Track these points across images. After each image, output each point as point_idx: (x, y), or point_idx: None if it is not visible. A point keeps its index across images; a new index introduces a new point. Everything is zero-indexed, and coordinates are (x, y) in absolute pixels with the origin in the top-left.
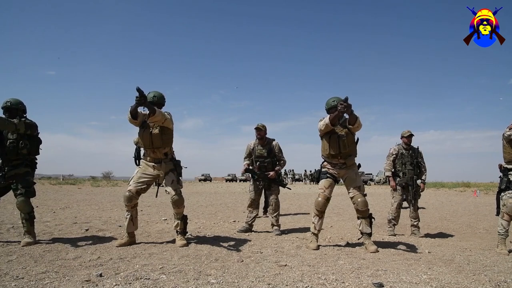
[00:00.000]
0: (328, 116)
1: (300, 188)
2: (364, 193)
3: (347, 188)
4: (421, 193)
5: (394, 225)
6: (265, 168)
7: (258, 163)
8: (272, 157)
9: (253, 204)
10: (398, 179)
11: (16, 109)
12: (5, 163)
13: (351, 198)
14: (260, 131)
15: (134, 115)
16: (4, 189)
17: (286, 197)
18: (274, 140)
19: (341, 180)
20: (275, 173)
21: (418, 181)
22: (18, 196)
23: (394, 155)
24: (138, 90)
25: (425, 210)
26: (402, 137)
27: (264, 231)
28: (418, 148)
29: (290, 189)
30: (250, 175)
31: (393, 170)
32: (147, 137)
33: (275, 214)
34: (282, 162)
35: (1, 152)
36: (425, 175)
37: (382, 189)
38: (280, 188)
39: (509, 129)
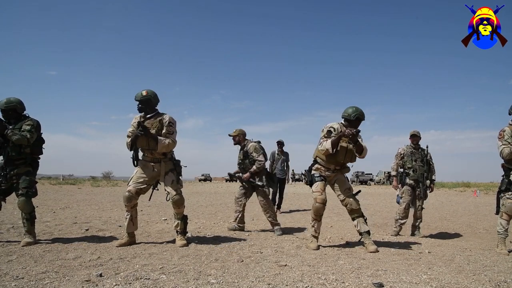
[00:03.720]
0: (330, 141)
1: (300, 188)
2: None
3: (337, 190)
4: (429, 193)
5: (401, 225)
6: (244, 171)
7: (238, 167)
8: (249, 159)
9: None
10: (408, 177)
11: (14, 109)
12: (8, 163)
13: (342, 201)
14: (233, 138)
15: (131, 147)
16: (8, 189)
17: (286, 197)
18: (251, 141)
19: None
20: (248, 174)
21: (427, 182)
22: (19, 196)
23: (402, 155)
24: (140, 124)
25: (425, 210)
26: (410, 137)
27: (264, 231)
28: (427, 147)
29: (268, 189)
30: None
31: (398, 170)
32: (144, 139)
33: (268, 214)
34: (257, 162)
35: (4, 152)
36: (435, 175)
37: (382, 189)
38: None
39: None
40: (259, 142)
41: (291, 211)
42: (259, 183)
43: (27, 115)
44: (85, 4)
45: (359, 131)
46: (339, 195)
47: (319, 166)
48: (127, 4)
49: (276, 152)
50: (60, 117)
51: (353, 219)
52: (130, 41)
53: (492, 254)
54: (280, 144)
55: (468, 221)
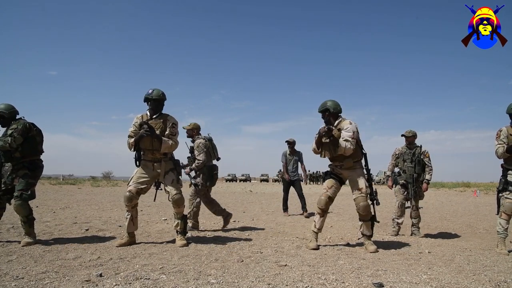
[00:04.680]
0: (315, 140)
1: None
2: (369, 195)
3: (351, 188)
4: (424, 193)
5: (398, 224)
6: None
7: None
8: (192, 156)
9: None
10: (399, 177)
11: (1, 116)
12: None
13: (354, 200)
14: (187, 131)
15: (135, 146)
16: (11, 192)
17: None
18: (201, 137)
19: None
20: (188, 170)
21: (426, 181)
22: (14, 199)
23: (397, 155)
24: (146, 124)
25: (425, 210)
26: None
27: (264, 231)
28: (420, 146)
29: (198, 186)
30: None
31: (393, 170)
32: (148, 139)
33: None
34: (196, 161)
35: None
36: (430, 174)
37: (382, 189)
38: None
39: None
40: (210, 139)
41: (291, 212)
42: (192, 180)
43: (21, 117)
44: (85, 4)
45: (330, 127)
46: (353, 194)
47: (331, 164)
48: (127, 4)
49: (287, 152)
50: (60, 117)
51: (360, 220)
52: (130, 41)
53: (492, 254)
54: (290, 143)
55: (468, 221)
